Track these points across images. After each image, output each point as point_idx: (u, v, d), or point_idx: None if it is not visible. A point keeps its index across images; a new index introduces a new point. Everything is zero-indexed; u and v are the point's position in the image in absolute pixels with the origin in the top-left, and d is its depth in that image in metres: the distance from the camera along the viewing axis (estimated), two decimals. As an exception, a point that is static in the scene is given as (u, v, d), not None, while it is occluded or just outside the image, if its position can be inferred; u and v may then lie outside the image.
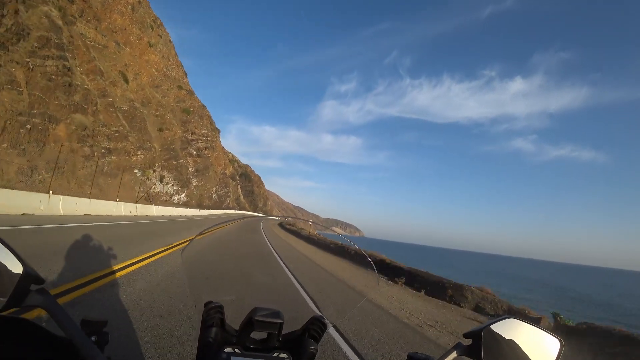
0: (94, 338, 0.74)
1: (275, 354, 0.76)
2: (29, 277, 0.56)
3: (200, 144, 73.86)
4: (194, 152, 67.97)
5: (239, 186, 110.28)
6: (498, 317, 0.78)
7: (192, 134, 69.20)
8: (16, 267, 0.56)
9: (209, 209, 61.07)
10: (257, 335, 0.78)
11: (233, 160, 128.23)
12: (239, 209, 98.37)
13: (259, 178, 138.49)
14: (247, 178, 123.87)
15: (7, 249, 0.58)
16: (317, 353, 0.79)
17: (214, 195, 74.82)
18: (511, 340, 0.74)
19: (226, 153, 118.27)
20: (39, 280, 0.58)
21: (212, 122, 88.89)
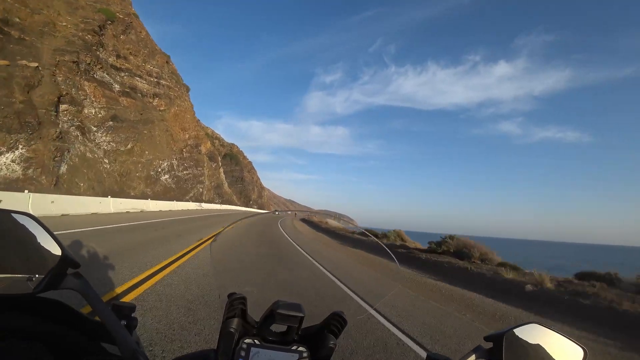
0: (123, 322, 0.76)
1: (294, 347, 0.76)
2: (67, 261, 0.58)
3: (140, 83, 39.82)
4: (117, 87, 33.95)
5: (222, 170, 76.43)
6: (521, 322, 0.75)
7: (113, 53, 34.83)
8: (55, 251, 0.58)
9: (140, 198, 27.42)
10: (277, 328, 0.78)
11: (213, 138, 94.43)
12: (222, 202, 64.81)
13: (251, 164, 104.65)
14: (233, 161, 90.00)
15: (47, 233, 0.60)
16: (335, 348, 0.79)
17: (166, 177, 40.76)
18: (533, 346, 0.72)
19: (201, 126, 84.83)
20: (75, 265, 0.60)
21: (177, 76, 55.62)
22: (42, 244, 0.59)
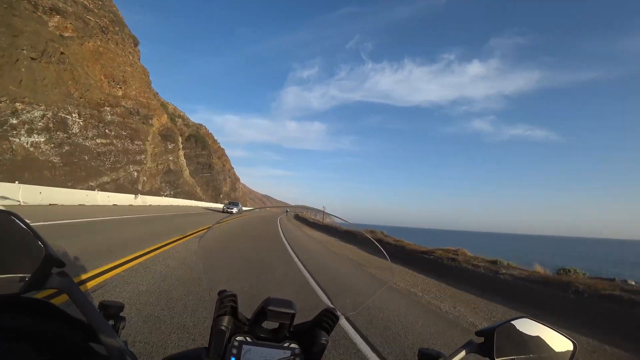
0: (111, 322, 0.74)
1: (286, 344, 0.76)
2: (51, 260, 0.56)
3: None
4: None
5: (181, 153, 58.40)
6: (512, 317, 0.77)
7: None
8: (39, 250, 0.57)
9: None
10: (269, 325, 0.78)
11: (175, 115, 75.69)
12: (177, 194, 47.25)
13: (222, 150, 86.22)
14: (200, 144, 71.58)
15: (30, 232, 0.58)
16: (327, 344, 0.78)
17: (37, 138, 22.49)
18: (524, 340, 0.73)
19: (157, 97, 66.19)
20: (60, 264, 0.59)
21: (119, 20, 37.66)
22: (26, 242, 0.57)
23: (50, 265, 0.57)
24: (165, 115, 57.96)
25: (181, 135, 68.91)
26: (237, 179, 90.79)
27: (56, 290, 0.59)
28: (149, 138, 39.53)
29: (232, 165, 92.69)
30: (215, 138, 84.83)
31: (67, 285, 0.59)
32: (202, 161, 69.44)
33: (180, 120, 77.54)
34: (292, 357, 0.75)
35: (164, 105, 61.86)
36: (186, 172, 56.93)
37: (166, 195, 42.76)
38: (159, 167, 43.47)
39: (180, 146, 59.76)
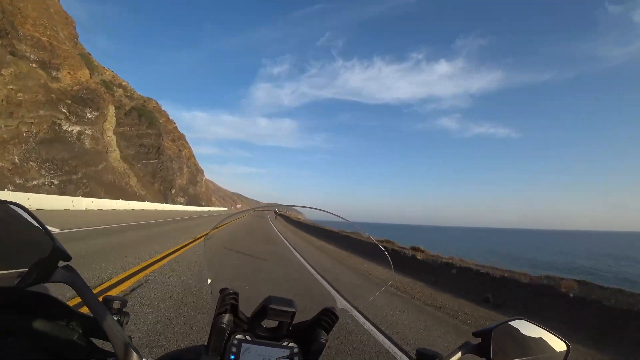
0: (115, 317, 0.74)
1: (285, 343, 0.76)
2: (58, 253, 0.56)
3: None
4: None
5: (109, 126, 39.89)
6: (509, 318, 0.79)
7: None
8: (45, 243, 0.56)
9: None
10: (268, 323, 0.78)
11: (113, 83, 56.42)
12: (106, 193, 28.59)
13: (177, 130, 67.02)
14: (144, 120, 52.58)
15: (38, 225, 0.58)
16: (326, 344, 0.79)
17: None
18: (520, 341, 0.76)
19: (83, 52, 47.78)
20: (67, 257, 0.58)
21: None
22: (32, 235, 0.57)
23: (57, 259, 0.56)
24: (87, 72, 39.06)
25: (118, 107, 49.74)
26: (200, 171, 72.14)
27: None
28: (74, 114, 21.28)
29: (194, 153, 73.82)
30: (170, 118, 65.64)
31: (73, 279, 0.58)
32: (148, 143, 50.59)
33: (121, 90, 57.92)
34: (291, 356, 0.75)
35: (85, 58, 42.48)
36: (114, 155, 38.30)
37: (40, 185, 24.49)
38: (34, 132, 25.12)
39: (111, 119, 40.96)
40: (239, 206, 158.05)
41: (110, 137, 38.82)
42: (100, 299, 0.65)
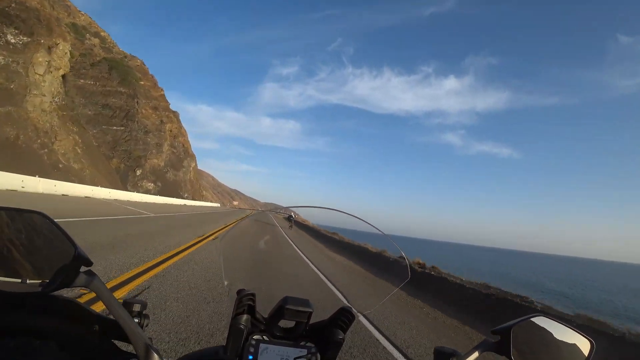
0: (136, 319, 0.76)
1: (302, 343, 0.77)
2: (80, 259, 0.58)
3: None
4: None
5: (34, 61, 25.83)
6: (529, 315, 0.77)
7: None
8: (68, 249, 0.59)
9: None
10: (285, 323, 0.79)
11: (86, 33, 43.27)
12: None
13: (164, 98, 53.28)
14: (117, 75, 38.92)
15: (60, 232, 0.60)
16: (343, 343, 0.80)
17: None
18: (541, 338, 0.74)
19: None
20: (88, 262, 0.60)
21: None
22: (55, 242, 0.60)
23: (79, 264, 0.58)
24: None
25: (84, 55, 36.32)
26: (190, 156, 58.35)
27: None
28: None
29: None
30: (157, 82, 52.09)
31: (95, 283, 0.60)
32: (115, 104, 36.94)
33: (97, 40, 44.51)
34: (309, 355, 0.75)
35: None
36: (35, 101, 24.50)
37: None
38: None
39: (60, 60, 27.41)
40: (235, 203, 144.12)
41: (41, 77, 25.25)
42: (121, 302, 0.66)
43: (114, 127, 35.07)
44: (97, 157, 30.54)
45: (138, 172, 35.76)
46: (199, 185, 64.02)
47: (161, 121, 44.71)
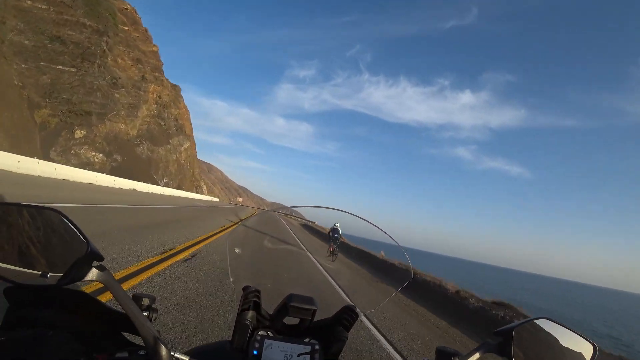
0: (145, 313, 0.78)
1: (306, 340, 0.79)
2: (92, 254, 0.60)
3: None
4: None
5: None
6: (531, 317, 0.76)
7: None
8: (81, 244, 0.61)
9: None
10: (290, 320, 0.81)
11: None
12: None
13: (157, 58, 42.37)
14: (83, 4, 27.69)
15: (73, 228, 0.63)
16: (346, 341, 0.81)
17: None
18: (543, 341, 0.73)
19: None
20: (100, 258, 0.62)
21: None
22: (68, 237, 0.62)
23: (91, 259, 0.60)
24: None
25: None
26: (188, 137, 47.12)
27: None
28: None
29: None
30: (151, 38, 41.13)
31: (106, 277, 0.62)
32: (71, 38, 25.70)
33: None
34: (312, 352, 0.76)
35: None
36: None
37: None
38: None
39: None
40: (239, 199, 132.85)
41: None
42: (131, 296, 0.69)
43: (59, 66, 23.88)
44: (10, 101, 19.20)
45: (79, 134, 23.91)
46: (194, 173, 52.58)
47: (143, 77, 33.51)
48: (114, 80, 28.42)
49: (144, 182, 26.89)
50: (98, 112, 25.32)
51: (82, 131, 23.51)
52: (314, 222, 37.42)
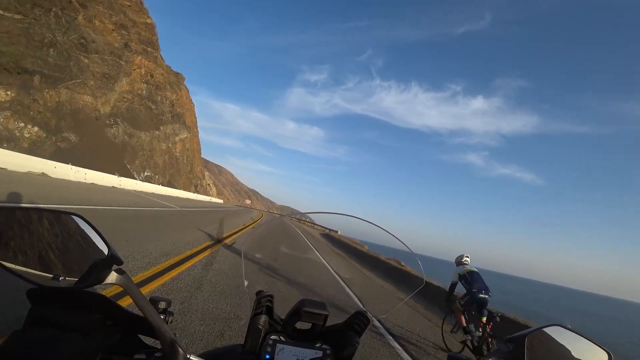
0: (162, 316, 0.80)
1: (318, 345, 0.80)
2: (112, 258, 0.62)
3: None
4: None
5: None
6: (544, 324, 0.75)
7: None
8: (102, 248, 0.63)
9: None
10: (302, 325, 0.82)
11: None
12: None
13: (153, 32, 36.58)
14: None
15: (95, 232, 0.65)
16: (358, 347, 0.82)
17: None
18: (556, 349, 0.72)
19: None
20: (119, 262, 0.63)
21: None
22: (90, 241, 0.64)
23: (111, 263, 0.62)
24: None
25: None
26: (189, 129, 41.23)
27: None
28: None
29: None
30: (146, 12, 35.40)
31: (125, 281, 0.63)
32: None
33: None
34: (324, 357, 0.78)
35: None
36: None
37: None
38: None
39: None
40: (248, 202, 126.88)
41: None
42: (148, 299, 0.70)
43: (8, 14, 17.78)
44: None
45: (2, 95, 17.01)
46: (193, 170, 46.36)
47: (126, 45, 27.58)
48: (82, 41, 22.45)
49: (111, 173, 20.46)
50: (47, 75, 19.24)
51: (10, 92, 17.29)
52: (337, 232, 30.06)
